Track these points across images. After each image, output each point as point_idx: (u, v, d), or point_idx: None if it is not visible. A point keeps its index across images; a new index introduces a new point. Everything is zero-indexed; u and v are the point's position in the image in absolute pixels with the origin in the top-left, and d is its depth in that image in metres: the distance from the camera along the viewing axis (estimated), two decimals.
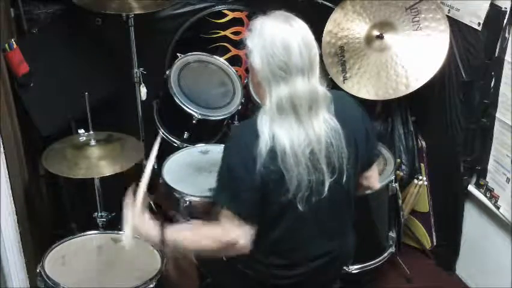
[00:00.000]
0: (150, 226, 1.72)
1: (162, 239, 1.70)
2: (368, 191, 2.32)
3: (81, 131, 2.39)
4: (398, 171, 2.78)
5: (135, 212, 1.73)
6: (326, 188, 1.66)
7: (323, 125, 1.63)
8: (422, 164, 2.91)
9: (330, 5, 2.85)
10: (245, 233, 1.68)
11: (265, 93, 1.64)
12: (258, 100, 2.69)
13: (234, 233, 1.67)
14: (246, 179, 1.62)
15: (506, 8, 2.30)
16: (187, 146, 2.72)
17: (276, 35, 1.59)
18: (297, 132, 1.61)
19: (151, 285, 2.03)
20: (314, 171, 1.64)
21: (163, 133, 2.80)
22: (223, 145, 1.77)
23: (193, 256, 2.06)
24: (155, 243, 1.77)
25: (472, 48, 2.51)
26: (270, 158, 1.60)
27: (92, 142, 2.35)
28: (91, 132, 2.38)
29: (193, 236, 1.73)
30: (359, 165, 1.78)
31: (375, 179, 1.96)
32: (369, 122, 1.83)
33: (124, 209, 1.76)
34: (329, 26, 2.79)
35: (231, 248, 1.68)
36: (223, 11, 2.89)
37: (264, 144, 1.59)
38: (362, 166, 1.81)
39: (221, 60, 2.69)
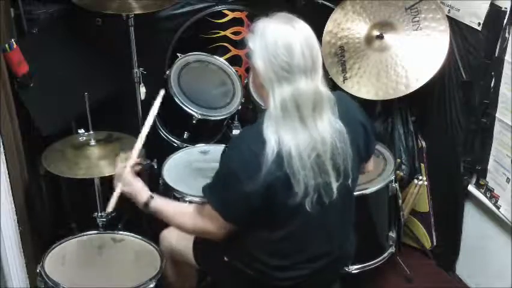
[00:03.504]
0: (140, 186, 1.89)
1: (147, 202, 1.85)
2: (370, 189, 2.36)
3: (81, 130, 2.39)
4: (398, 171, 2.78)
5: (128, 168, 1.91)
6: (335, 190, 1.66)
7: (328, 126, 1.62)
8: (422, 164, 2.92)
9: (330, 5, 2.85)
10: (223, 227, 1.74)
11: (268, 95, 1.62)
12: (258, 101, 2.70)
13: (212, 226, 1.75)
14: (242, 187, 1.61)
15: (506, 8, 2.30)
16: (187, 146, 2.72)
17: (278, 36, 1.58)
18: (302, 135, 1.60)
19: (151, 285, 2.03)
20: (321, 174, 1.64)
21: (163, 133, 2.81)
22: (225, 146, 1.77)
23: (193, 259, 2.06)
24: (139, 203, 1.88)
25: (472, 48, 2.51)
26: (275, 163, 1.59)
27: (92, 142, 2.35)
28: (91, 132, 2.38)
29: (176, 212, 1.87)
30: (359, 164, 1.79)
31: (369, 165, 1.97)
32: (369, 122, 1.84)
33: (118, 165, 1.95)
34: (329, 26, 2.79)
35: (204, 234, 1.82)
36: (223, 11, 2.89)
37: (270, 151, 1.58)
38: (361, 163, 1.83)
39: (221, 60, 2.69)
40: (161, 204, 1.88)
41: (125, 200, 1.94)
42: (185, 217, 1.83)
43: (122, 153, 2.01)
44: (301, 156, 1.59)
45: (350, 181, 1.70)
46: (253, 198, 1.62)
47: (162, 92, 2.12)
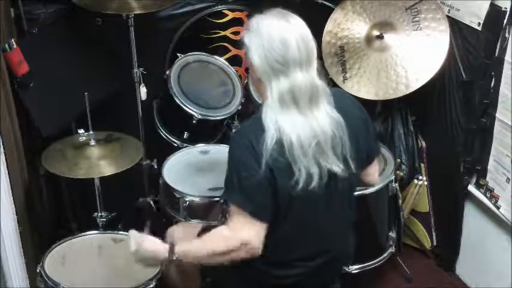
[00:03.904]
0: (155, 242, 1.73)
1: (171, 250, 1.69)
2: (370, 189, 2.35)
3: (81, 130, 2.39)
4: (398, 171, 2.78)
5: (138, 238, 1.74)
6: (340, 177, 1.67)
7: (326, 116, 1.65)
8: (422, 164, 2.91)
9: (330, 5, 2.85)
10: (257, 232, 1.67)
11: (265, 90, 1.65)
12: (257, 99, 2.70)
13: (246, 233, 1.66)
14: (254, 177, 1.61)
15: (506, 8, 2.30)
16: (187, 146, 2.72)
17: (274, 31, 1.61)
18: (301, 125, 1.62)
19: (151, 285, 2.03)
20: (322, 163, 1.64)
21: (163, 132, 2.80)
22: (228, 145, 1.77)
23: None
24: (165, 257, 1.71)
25: (472, 48, 2.51)
26: (277, 150, 1.61)
27: (92, 142, 2.35)
28: (91, 132, 2.38)
29: (203, 241, 1.74)
30: (360, 161, 1.79)
31: (376, 174, 1.97)
32: (368, 118, 1.84)
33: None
34: (329, 26, 2.79)
35: (242, 249, 1.66)
36: (223, 11, 2.89)
37: (270, 138, 1.60)
38: (362, 162, 1.82)
39: (221, 60, 2.69)
40: (184, 246, 1.72)
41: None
42: (215, 240, 1.70)
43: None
44: (302, 145, 1.61)
45: (348, 173, 1.70)
46: (265, 182, 1.62)
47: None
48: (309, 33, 1.65)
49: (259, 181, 1.62)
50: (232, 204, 1.68)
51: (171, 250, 1.69)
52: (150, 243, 1.73)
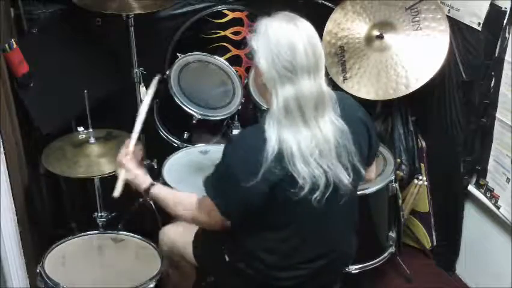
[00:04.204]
0: (140, 173, 1.93)
1: (148, 188, 1.89)
2: (370, 189, 2.36)
3: (80, 128, 2.39)
4: (398, 171, 2.78)
5: (130, 155, 1.95)
6: (349, 186, 1.68)
7: (330, 125, 1.63)
8: (422, 164, 2.91)
9: (330, 5, 2.85)
10: (218, 222, 1.78)
11: (271, 95, 1.62)
12: (259, 101, 2.70)
13: (210, 219, 1.78)
14: (240, 183, 1.60)
15: (506, 8, 2.30)
16: (187, 146, 2.72)
17: (281, 35, 1.58)
18: (304, 134, 1.60)
19: (151, 285, 2.03)
20: (328, 172, 1.63)
21: (163, 132, 2.80)
22: (227, 143, 1.77)
23: (192, 256, 2.06)
24: (140, 189, 1.91)
25: (472, 48, 2.51)
26: (276, 162, 1.59)
27: (92, 140, 2.35)
28: (90, 130, 2.38)
29: (174, 200, 1.88)
30: (362, 165, 1.79)
31: (371, 171, 1.98)
32: (371, 122, 1.84)
33: (120, 151, 1.98)
34: (329, 26, 2.79)
35: (202, 225, 1.89)
36: (223, 11, 2.90)
37: (271, 149, 1.58)
38: (364, 165, 1.82)
39: (221, 60, 2.69)
40: (162, 192, 1.90)
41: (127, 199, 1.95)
42: (183, 207, 1.85)
43: (127, 141, 2.03)
44: (303, 154, 1.59)
45: (353, 179, 1.70)
46: (252, 195, 1.62)
47: (157, 78, 2.15)
48: (317, 38, 1.63)
49: (243, 190, 1.61)
50: (208, 197, 1.73)
51: (148, 188, 1.89)
52: (136, 173, 1.92)
